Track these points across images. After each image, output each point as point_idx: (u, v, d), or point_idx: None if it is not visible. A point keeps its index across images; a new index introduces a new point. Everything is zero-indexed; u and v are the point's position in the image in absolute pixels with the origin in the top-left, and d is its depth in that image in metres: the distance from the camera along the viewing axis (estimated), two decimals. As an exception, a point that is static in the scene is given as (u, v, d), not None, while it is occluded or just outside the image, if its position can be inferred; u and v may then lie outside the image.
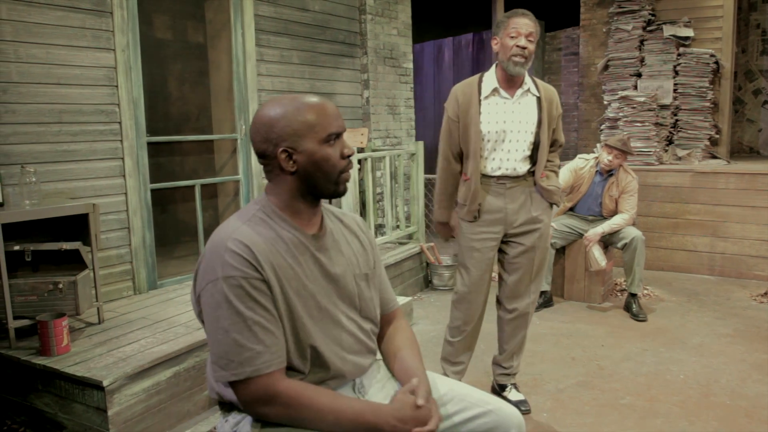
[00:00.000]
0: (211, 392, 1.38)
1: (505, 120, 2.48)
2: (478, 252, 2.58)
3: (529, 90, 2.50)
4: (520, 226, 2.55)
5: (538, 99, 2.51)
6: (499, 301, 2.72)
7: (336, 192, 1.37)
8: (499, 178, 2.52)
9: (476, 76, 2.57)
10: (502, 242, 2.61)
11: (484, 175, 2.53)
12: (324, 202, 1.46)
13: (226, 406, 1.37)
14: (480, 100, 2.49)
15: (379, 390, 1.46)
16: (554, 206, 2.65)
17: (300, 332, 1.30)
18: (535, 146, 2.50)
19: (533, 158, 2.52)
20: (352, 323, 1.41)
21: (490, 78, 2.52)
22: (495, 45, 2.48)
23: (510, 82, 2.48)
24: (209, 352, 1.31)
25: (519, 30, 2.38)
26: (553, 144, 2.62)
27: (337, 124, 1.34)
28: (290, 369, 1.30)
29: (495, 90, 2.50)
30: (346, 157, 1.36)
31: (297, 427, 1.25)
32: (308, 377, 1.33)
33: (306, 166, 1.32)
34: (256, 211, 1.34)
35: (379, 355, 1.54)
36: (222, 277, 1.21)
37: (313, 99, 1.35)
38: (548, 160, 2.60)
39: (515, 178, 2.52)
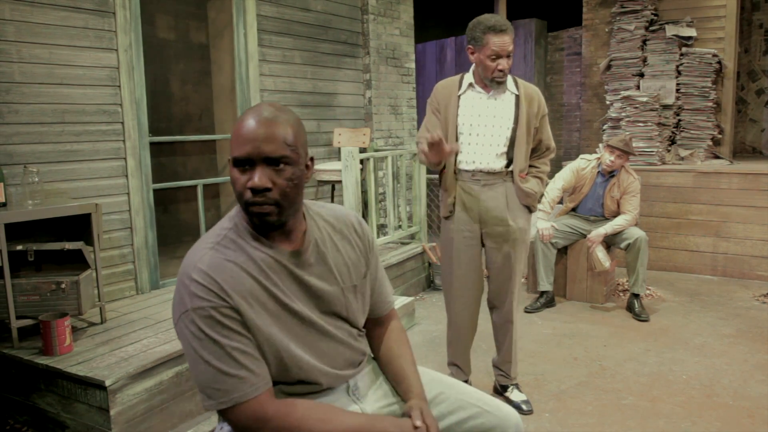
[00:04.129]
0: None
1: (480, 114, 2.50)
2: (455, 248, 2.60)
3: (506, 87, 2.51)
4: (496, 226, 2.54)
5: (517, 97, 2.51)
6: (488, 304, 2.74)
7: (251, 222, 1.25)
8: (473, 173, 2.52)
9: (457, 77, 2.60)
10: (484, 244, 2.62)
11: (460, 170, 2.55)
12: (314, 203, 1.42)
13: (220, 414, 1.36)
14: (458, 96, 2.52)
15: (374, 391, 1.45)
16: (537, 210, 2.65)
17: (283, 353, 1.26)
18: (512, 143, 2.50)
19: (510, 156, 2.52)
20: (342, 332, 1.38)
21: (469, 76, 2.54)
22: (472, 56, 2.45)
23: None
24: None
25: (499, 51, 2.36)
26: (538, 148, 2.61)
27: (246, 150, 1.18)
28: (280, 383, 1.28)
29: (470, 85, 2.52)
30: (252, 188, 1.19)
31: None
32: (299, 393, 1.31)
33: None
34: (227, 231, 1.27)
35: (369, 352, 1.52)
36: (191, 308, 1.18)
37: (254, 111, 1.23)
38: (533, 166, 2.60)
39: (490, 174, 2.52)
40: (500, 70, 2.39)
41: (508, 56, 2.38)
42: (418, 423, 1.27)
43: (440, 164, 2.46)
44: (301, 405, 1.23)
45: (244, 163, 1.20)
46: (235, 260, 1.23)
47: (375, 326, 1.52)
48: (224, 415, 1.22)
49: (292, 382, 1.30)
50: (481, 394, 1.47)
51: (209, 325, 1.17)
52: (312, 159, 1.31)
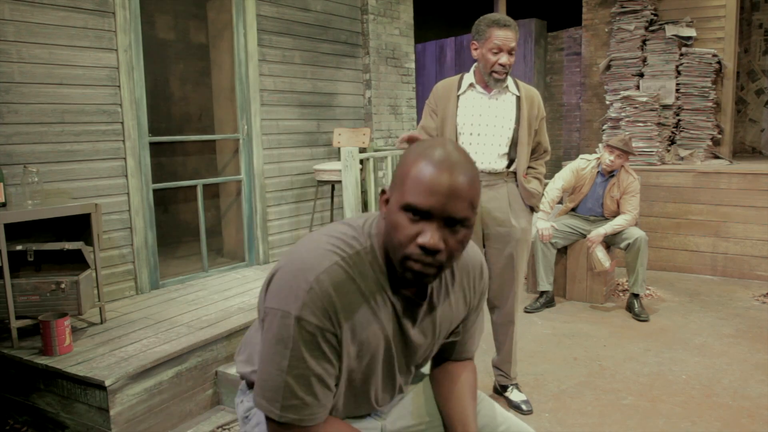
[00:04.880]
0: (239, 367, 1.34)
1: (481, 114, 2.49)
2: None
3: (507, 87, 2.50)
4: (498, 227, 2.53)
5: (518, 98, 2.50)
6: (488, 304, 2.73)
7: (400, 275, 1.11)
8: None
9: (457, 77, 2.58)
10: (484, 245, 2.61)
11: None
12: None
13: (250, 386, 1.32)
14: (458, 96, 2.51)
15: (398, 409, 1.40)
16: (539, 210, 2.65)
17: (351, 385, 1.21)
18: (513, 143, 2.49)
19: (511, 156, 2.51)
20: (401, 381, 1.30)
21: (469, 76, 2.53)
22: (475, 51, 2.46)
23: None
24: (250, 343, 1.29)
25: (501, 45, 2.36)
26: (536, 150, 2.61)
27: (430, 203, 1.04)
28: None
29: (471, 85, 2.51)
30: (422, 246, 1.05)
31: None
32: (340, 410, 1.26)
33: (387, 224, 1.11)
34: (360, 250, 1.14)
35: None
36: (296, 316, 1.07)
37: (443, 158, 1.06)
38: (531, 167, 2.60)
39: (493, 175, 2.51)
40: (501, 65, 2.38)
41: (509, 52, 2.38)
42: None
43: None
44: (337, 428, 1.18)
45: (420, 214, 1.05)
46: (359, 285, 1.12)
47: (449, 367, 1.41)
48: (269, 421, 1.15)
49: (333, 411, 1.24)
50: (495, 409, 1.41)
51: (306, 341, 1.08)
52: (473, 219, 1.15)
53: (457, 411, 1.32)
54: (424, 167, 1.05)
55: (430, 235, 1.04)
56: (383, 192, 1.15)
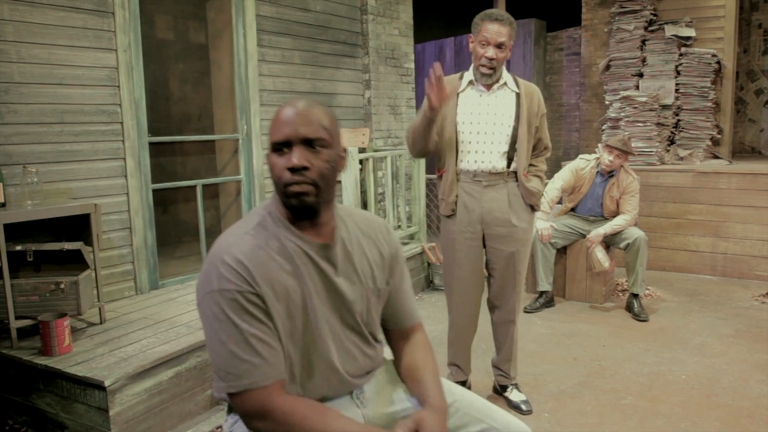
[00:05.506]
0: (215, 393, 1.38)
1: (480, 112, 2.47)
2: (457, 249, 2.57)
3: (506, 84, 2.48)
4: (499, 227, 2.52)
5: (517, 95, 2.48)
6: (488, 304, 2.73)
7: (288, 205, 1.26)
8: (475, 173, 2.50)
9: (458, 73, 2.57)
10: (485, 245, 2.60)
11: (461, 170, 2.51)
12: (344, 207, 1.43)
13: (229, 406, 1.37)
14: (458, 94, 2.48)
15: (380, 397, 1.43)
16: (538, 210, 2.63)
17: (298, 345, 1.28)
18: (513, 142, 2.47)
19: (511, 154, 2.49)
20: (355, 339, 1.38)
21: (469, 74, 2.52)
22: (470, 45, 2.46)
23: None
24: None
25: (489, 38, 2.35)
26: (537, 147, 2.59)
27: (285, 132, 1.23)
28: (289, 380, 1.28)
29: (471, 82, 2.49)
30: (292, 169, 1.22)
31: None
32: (305, 391, 1.30)
33: (270, 171, 1.29)
34: (262, 218, 1.30)
35: (382, 361, 1.49)
36: (217, 289, 1.20)
37: (290, 102, 1.28)
38: (532, 164, 2.58)
39: (493, 174, 2.50)
40: (486, 58, 2.36)
41: (497, 46, 2.35)
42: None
43: (440, 111, 2.27)
44: (305, 403, 1.23)
45: (282, 146, 1.24)
46: (268, 247, 1.25)
47: (399, 338, 1.51)
48: (233, 400, 1.22)
49: (299, 382, 1.30)
50: (490, 407, 1.44)
51: (232, 308, 1.19)
52: (345, 150, 1.35)
53: (412, 367, 1.44)
54: (278, 112, 1.27)
55: (295, 157, 1.22)
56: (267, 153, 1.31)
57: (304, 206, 1.25)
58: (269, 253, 1.25)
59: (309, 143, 1.24)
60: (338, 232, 1.35)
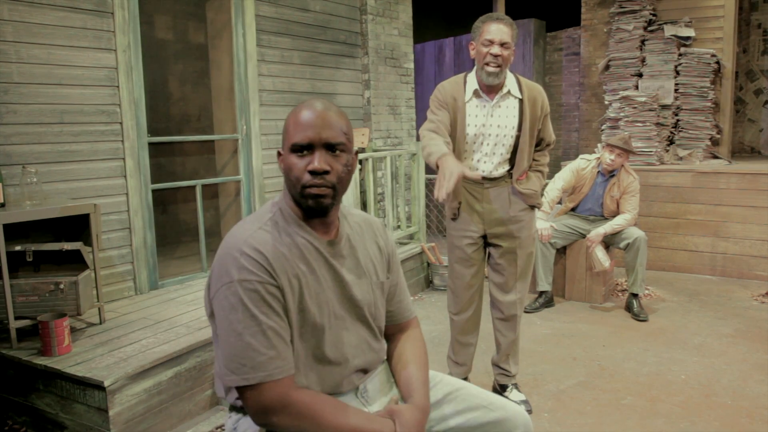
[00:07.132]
0: (218, 391, 1.37)
1: (484, 123, 2.48)
2: (459, 249, 2.62)
3: (509, 92, 2.48)
4: (499, 226, 2.55)
5: (520, 101, 2.48)
6: (490, 302, 2.73)
7: (304, 206, 1.29)
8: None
9: (461, 76, 2.55)
10: (487, 244, 2.62)
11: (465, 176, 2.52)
12: (344, 205, 1.45)
13: (231, 405, 1.37)
14: (465, 103, 2.49)
15: (383, 395, 1.45)
16: (540, 210, 2.64)
17: (313, 340, 1.29)
18: (514, 150, 2.50)
19: (512, 161, 2.53)
20: (363, 333, 1.40)
21: (472, 80, 2.50)
22: (472, 51, 2.46)
23: (489, 87, 2.46)
24: (217, 355, 1.30)
25: (492, 38, 2.36)
26: (540, 143, 2.61)
27: (308, 136, 1.26)
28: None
29: (475, 92, 2.49)
30: (313, 173, 1.25)
31: None
32: (314, 385, 1.31)
33: (284, 172, 1.31)
34: (272, 214, 1.32)
35: (385, 358, 1.51)
36: (237, 280, 1.20)
37: (309, 104, 1.30)
38: (534, 159, 2.61)
39: (493, 179, 2.53)
40: (492, 55, 2.35)
41: (501, 45, 2.36)
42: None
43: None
44: (322, 398, 1.24)
45: (303, 149, 1.26)
46: (283, 242, 1.28)
47: (395, 333, 1.54)
48: (243, 395, 1.21)
49: (309, 377, 1.30)
50: (488, 394, 1.47)
51: (252, 299, 1.20)
52: (357, 152, 1.38)
53: (402, 360, 1.46)
54: (297, 113, 1.29)
55: (317, 160, 1.26)
56: (279, 153, 1.34)
57: (321, 207, 1.29)
58: (284, 248, 1.27)
59: (330, 147, 1.27)
60: (342, 229, 1.39)
